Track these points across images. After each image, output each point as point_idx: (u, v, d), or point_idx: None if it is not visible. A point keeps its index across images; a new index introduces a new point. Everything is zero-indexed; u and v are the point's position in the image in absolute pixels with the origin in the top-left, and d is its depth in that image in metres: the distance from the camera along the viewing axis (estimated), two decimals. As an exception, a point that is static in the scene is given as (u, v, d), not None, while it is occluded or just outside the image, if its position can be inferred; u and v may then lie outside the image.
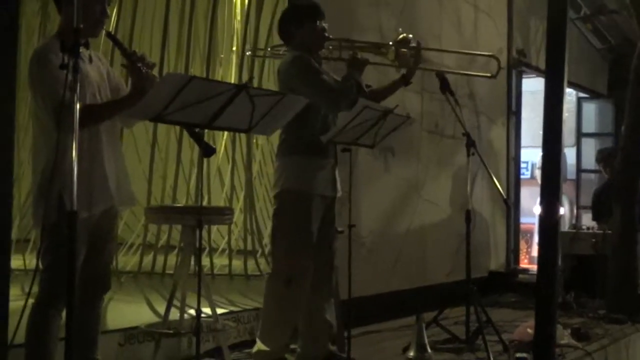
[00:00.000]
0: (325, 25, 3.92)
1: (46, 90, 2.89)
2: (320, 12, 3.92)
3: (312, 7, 3.94)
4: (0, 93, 3.26)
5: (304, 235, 3.78)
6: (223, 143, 7.46)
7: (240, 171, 7.13)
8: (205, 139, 3.13)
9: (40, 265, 2.95)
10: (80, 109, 2.46)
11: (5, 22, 3.27)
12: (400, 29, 4.00)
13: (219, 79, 7.43)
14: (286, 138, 3.83)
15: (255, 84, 6.40)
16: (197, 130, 3.01)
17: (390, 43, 3.89)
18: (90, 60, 3.10)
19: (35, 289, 2.95)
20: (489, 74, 4.55)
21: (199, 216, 3.31)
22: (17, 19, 3.56)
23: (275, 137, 4.02)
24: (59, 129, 2.81)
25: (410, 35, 3.92)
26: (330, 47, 4.01)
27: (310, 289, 3.84)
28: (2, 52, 3.27)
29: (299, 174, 3.80)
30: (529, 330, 4.53)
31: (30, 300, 2.86)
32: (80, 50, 2.46)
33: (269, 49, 4.46)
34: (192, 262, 3.91)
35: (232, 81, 7.12)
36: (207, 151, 3.04)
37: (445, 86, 4.41)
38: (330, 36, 3.94)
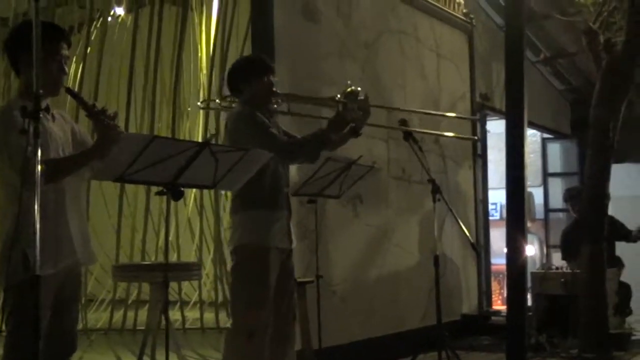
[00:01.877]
0: (274, 79, 3.94)
1: (12, 150, 2.87)
2: (267, 67, 3.94)
3: (259, 63, 3.96)
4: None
5: (263, 289, 3.74)
6: (192, 195, 7.46)
7: (210, 222, 7.12)
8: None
9: (4, 329, 2.91)
10: (46, 163, 2.46)
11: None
12: (349, 82, 4.00)
13: (186, 132, 7.47)
14: (238, 194, 3.79)
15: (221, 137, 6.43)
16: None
17: (338, 96, 3.87)
18: (54, 118, 3.09)
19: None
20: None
21: (166, 273, 3.29)
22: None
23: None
24: (21, 187, 2.82)
25: (359, 89, 3.92)
26: (280, 101, 3.99)
27: (271, 341, 3.81)
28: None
29: (253, 228, 3.77)
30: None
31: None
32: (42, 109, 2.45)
33: (217, 101, 4.44)
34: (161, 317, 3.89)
35: (200, 134, 7.17)
36: (175, 195, 3.01)
37: (408, 135, 4.46)
38: (277, 91, 3.94)
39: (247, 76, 3.90)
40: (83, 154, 3.04)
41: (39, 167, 2.43)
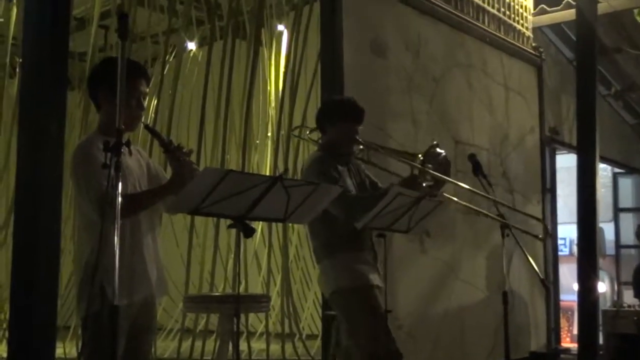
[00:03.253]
0: (359, 128, 3.93)
1: (90, 184, 2.95)
2: (356, 114, 3.93)
3: (350, 109, 3.94)
4: (49, 184, 3.40)
5: (380, 319, 3.78)
6: (259, 228, 7.55)
7: (277, 255, 7.18)
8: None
9: (81, 356, 2.99)
10: (123, 197, 2.54)
11: (54, 132, 3.43)
12: (435, 142, 3.98)
13: (255, 164, 7.58)
14: (320, 240, 3.85)
15: (290, 171, 6.51)
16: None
17: (420, 156, 3.86)
18: (131, 153, 3.15)
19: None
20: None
21: (236, 305, 3.34)
22: (63, 129, 3.71)
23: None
24: (102, 220, 2.91)
25: (442, 151, 3.92)
26: (361, 147, 4.01)
27: None
28: (51, 158, 3.42)
29: (346, 270, 3.80)
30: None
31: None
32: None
33: (307, 133, 4.48)
34: (230, 348, 3.94)
35: (268, 167, 7.26)
36: (247, 231, 3.06)
37: (477, 170, 4.43)
38: (361, 140, 3.95)
39: (333, 118, 3.92)
40: (158, 189, 3.12)
41: (119, 201, 2.52)
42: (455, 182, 4.02)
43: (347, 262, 3.82)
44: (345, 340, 3.90)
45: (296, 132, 4.43)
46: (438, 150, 3.90)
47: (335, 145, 3.92)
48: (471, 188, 4.20)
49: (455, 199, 4.42)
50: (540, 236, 4.50)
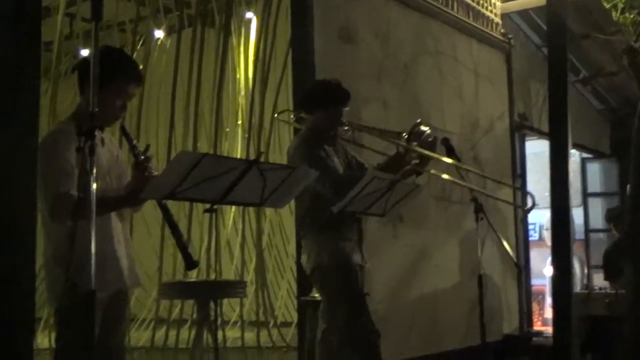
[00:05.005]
0: (345, 110, 4.00)
1: (47, 183, 2.91)
2: (345, 98, 4.00)
3: (340, 93, 4.01)
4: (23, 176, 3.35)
5: (357, 296, 3.84)
6: (232, 216, 7.52)
7: (250, 243, 7.16)
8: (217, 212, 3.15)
9: (56, 346, 2.95)
10: (75, 201, 2.50)
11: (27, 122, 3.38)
12: (419, 120, 4.03)
13: (225, 152, 7.55)
14: (307, 219, 3.90)
15: (264, 157, 6.49)
16: (180, 239, 3.03)
17: (405, 135, 3.90)
18: (103, 142, 3.11)
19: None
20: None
21: (213, 290, 3.32)
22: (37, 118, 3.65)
23: (283, 209, 4.05)
24: (52, 218, 2.88)
25: (427, 129, 3.95)
26: (346, 128, 4.06)
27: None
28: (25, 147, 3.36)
29: (328, 249, 3.86)
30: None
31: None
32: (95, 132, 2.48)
33: (292, 117, 4.50)
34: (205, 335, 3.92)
35: (239, 155, 7.23)
36: (189, 264, 3.02)
37: (451, 153, 4.44)
38: (345, 121, 4.01)
39: (323, 102, 3.98)
40: (114, 199, 3.01)
41: (94, 186, 2.47)
42: (441, 157, 4.04)
43: (332, 240, 3.87)
44: (322, 323, 3.91)
45: (283, 117, 4.43)
46: (422, 128, 3.92)
47: (323, 127, 3.97)
48: (458, 163, 4.22)
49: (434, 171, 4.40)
50: (527, 207, 4.54)
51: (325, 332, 3.92)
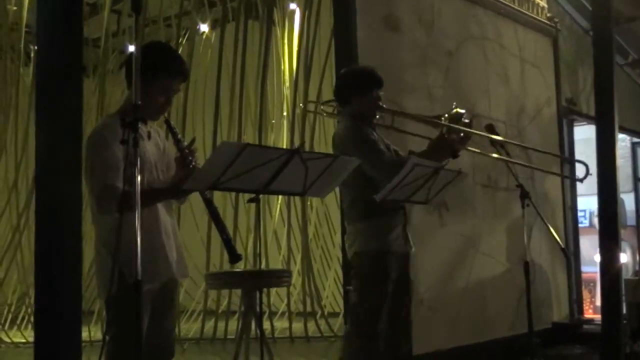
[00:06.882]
0: (381, 93, 3.97)
1: (94, 177, 2.94)
2: (378, 80, 3.96)
3: (372, 76, 3.97)
4: (68, 171, 3.42)
5: (382, 293, 3.81)
6: (278, 207, 7.57)
7: (297, 234, 7.20)
8: (262, 202, 3.18)
9: (107, 337, 3.00)
10: (121, 194, 2.53)
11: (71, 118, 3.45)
12: (454, 104, 4.02)
13: (271, 144, 7.60)
14: (355, 203, 3.88)
15: (306, 148, 6.51)
16: (223, 232, 3.05)
17: (444, 119, 3.90)
18: (149, 136, 3.14)
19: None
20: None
21: (258, 280, 3.35)
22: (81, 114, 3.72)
23: (330, 199, 4.06)
24: (99, 210, 2.92)
25: (463, 111, 3.94)
26: (383, 115, 4.04)
27: (389, 345, 3.86)
28: (70, 144, 3.44)
29: (373, 235, 3.84)
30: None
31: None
32: (139, 126, 2.51)
33: (321, 106, 4.50)
34: (253, 326, 3.96)
35: (285, 145, 7.27)
36: (233, 257, 3.04)
37: (495, 140, 4.41)
38: (384, 106, 3.98)
39: (359, 88, 3.94)
40: (159, 192, 3.06)
41: (138, 177, 2.51)
42: (483, 133, 4.03)
43: (375, 227, 3.85)
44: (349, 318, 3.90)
45: (311, 107, 4.42)
46: (459, 110, 3.90)
47: (363, 113, 3.93)
48: (501, 138, 4.21)
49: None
50: (580, 177, 4.49)
51: (349, 333, 3.93)
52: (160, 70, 3.04)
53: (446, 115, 3.91)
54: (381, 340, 3.83)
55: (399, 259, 3.89)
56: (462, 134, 3.91)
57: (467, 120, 3.90)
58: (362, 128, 3.86)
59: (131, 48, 8.00)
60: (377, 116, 4.03)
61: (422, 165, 3.55)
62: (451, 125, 3.85)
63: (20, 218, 7.48)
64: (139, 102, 2.52)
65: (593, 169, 5.90)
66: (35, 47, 6.13)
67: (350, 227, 3.95)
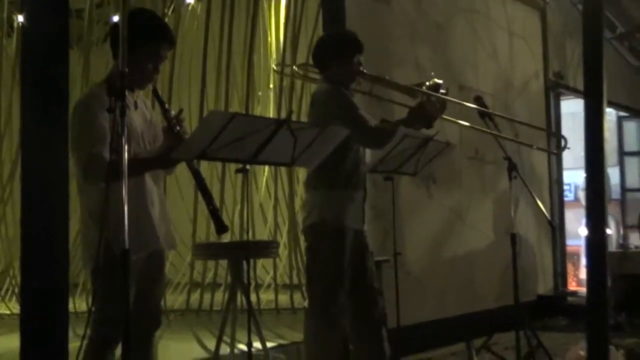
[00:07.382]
0: (361, 59, 3.88)
1: (80, 146, 2.91)
2: (360, 46, 3.85)
3: (352, 41, 3.86)
4: (54, 142, 3.38)
5: (339, 269, 3.69)
6: (264, 180, 7.54)
7: (283, 207, 7.18)
8: (248, 175, 3.15)
9: (92, 308, 2.97)
10: (107, 164, 2.51)
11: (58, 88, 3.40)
12: (432, 74, 3.96)
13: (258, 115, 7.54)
14: (317, 172, 3.68)
15: (294, 118, 6.46)
16: (210, 203, 2.99)
17: (423, 88, 3.83)
18: (136, 106, 3.10)
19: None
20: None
21: (246, 250, 3.34)
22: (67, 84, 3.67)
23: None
24: (85, 180, 2.88)
25: (441, 81, 3.88)
26: (361, 81, 3.94)
27: (354, 320, 3.78)
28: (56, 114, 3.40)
29: (330, 208, 3.70)
30: (581, 353, 4.48)
31: (85, 342, 2.87)
32: (126, 94, 2.46)
33: (295, 67, 4.40)
34: (239, 297, 3.96)
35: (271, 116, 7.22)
36: (219, 228, 2.99)
37: (483, 112, 4.41)
38: (365, 71, 3.88)
39: (339, 53, 3.81)
40: (145, 162, 3.00)
41: (126, 147, 2.47)
42: (462, 102, 4.01)
43: (333, 199, 3.71)
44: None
45: (301, 71, 4.30)
46: (437, 80, 3.83)
47: (344, 78, 3.81)
48: (479, 107, 4.19)
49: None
50: (555, 151, 4.48)
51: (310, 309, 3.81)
52: (147, 36, 2.99)
53: (427, 83, 3.84)
54: (343, 314, 3.72)
55: (355, 234, 3.76)
56: (440, 103, 3.83)
57: (443, 91, 3.84)
58: (344, 93, 3.74)
59: (116, 19, 7.92)
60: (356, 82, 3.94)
61: (410, 135, 3.54)
62: (431, 92, 3.76)
63: (4, 190, 7.42)
64: (126, 70, 2.48)
65: (581, 143, 5.91)
66: (19, 17, 6.05)
67: (308, 196, 3.80)
